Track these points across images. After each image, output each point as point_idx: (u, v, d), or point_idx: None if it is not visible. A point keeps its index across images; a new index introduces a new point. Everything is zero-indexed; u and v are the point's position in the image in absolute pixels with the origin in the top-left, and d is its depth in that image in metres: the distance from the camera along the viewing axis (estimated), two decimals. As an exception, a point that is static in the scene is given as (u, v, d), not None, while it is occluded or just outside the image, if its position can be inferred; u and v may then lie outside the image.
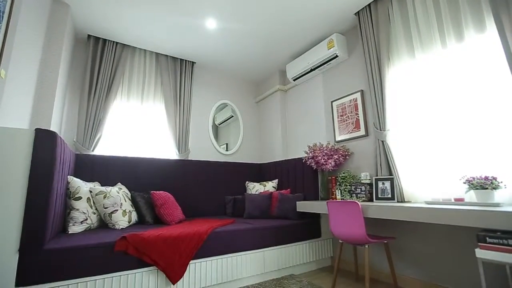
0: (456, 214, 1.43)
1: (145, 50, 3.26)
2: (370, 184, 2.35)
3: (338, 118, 2.91)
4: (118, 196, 2.21)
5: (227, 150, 3.85)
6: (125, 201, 2.27)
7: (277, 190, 3.25)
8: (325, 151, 2.69)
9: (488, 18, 1.74)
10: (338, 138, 2.88)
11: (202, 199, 3.12)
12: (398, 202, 2.10)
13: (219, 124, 3.91)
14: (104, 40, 2.96)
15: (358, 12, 2.62)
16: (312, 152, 2.77)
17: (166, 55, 3.36)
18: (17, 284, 1.39)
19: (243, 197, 3.09)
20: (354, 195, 2.39)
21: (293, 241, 2.52)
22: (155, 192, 2.44)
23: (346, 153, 2.71)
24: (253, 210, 2.84)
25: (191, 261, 1.95)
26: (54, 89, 2.28)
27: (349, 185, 2.46)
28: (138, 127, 3.10)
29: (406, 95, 2.24)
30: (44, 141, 1.53)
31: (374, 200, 2.24)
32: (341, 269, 2.66)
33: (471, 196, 1.70)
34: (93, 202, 2.12)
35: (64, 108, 2.72)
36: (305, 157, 2.84)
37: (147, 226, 2.20)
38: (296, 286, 2.13)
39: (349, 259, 2.65)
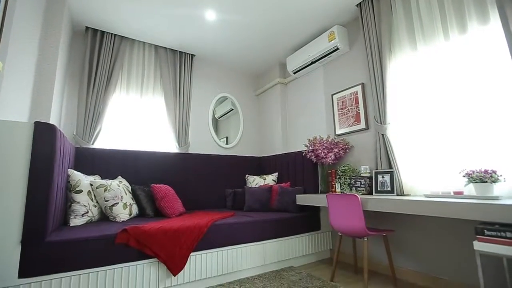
0: (455, 207, 1.44)
1: (144, 42, 3.22)
2: (370, 178, 2.35)
3: (338, 111, 2.90)
4: (118, 189, 2.22)
5: (227, 143, 3.85)
6: (126, 194, 2.28)
7: (277, 183, 3.26)
8: (325, 145, 2.69)
9: (492, 10, 1.71)
10: (338, 131, 2.87)
11: (202, 192, 3.14)
12: (397, 195, 2.11)
13: (219, 118, 3.90)
14: (102, 32, 2.93)
15: (360, 3, 2.58)
16: (312, 146, 2.77)
17: (166, 48, 3.32)
18: (20, 275, 1.41)
19: (243, 190, 3.10)
20: (353, 188, 2.40)
21: (292, 234, 2.55)
22: (155, 185, 2.45)
23: (346, 146, 2.71)
24: (253, 203, 2.85)
25: (192, 253, 1.97)
26: (53, 82, 2.26)
27: (348, 179, 2.47)
28: (138, 120, 3.09)
29: (407, 88, 2.22)
30: (44, 134, 1.53)
31: (374, 193, 2.25)
32: (340, 261, 2.69)
33: (470, 189, 1.70)
34: (94, 195, 2.13)
35: (63, 101, 2.71)
36: (305, 150, 2.84)
37: (147, 219, 2.22)
38: (296, 278, 2.16)
39: (348, 252, 2.67)
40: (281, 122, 3.67)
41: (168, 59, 3.30)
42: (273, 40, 3.22)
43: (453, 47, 1.91)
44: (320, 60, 3.04)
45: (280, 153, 3.52)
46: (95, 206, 2.11)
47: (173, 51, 3.37)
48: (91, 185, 2.12)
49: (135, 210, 2.32)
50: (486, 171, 1.58)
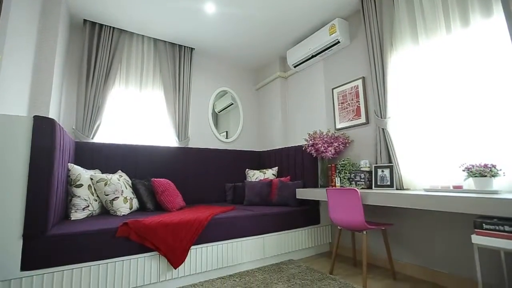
0: (453, 201, 1.45)
1: (143, 35, 3.19)
2: (370, 172, 2.36)
3: (338, 105, 2.88)
4: (118, 183, 2.22)
5: (227, 137, 3.84)
6: (126, 188, 2.29)
7: (277, 177, 3.27)
8: (325, 139, 2.69)
9: (496, 3, 1.68)
10: (339, 125, 2.87)
11: (202, 187, 3.15)
12: (397, 189, 2.11)
13: (219, 112, 3.89)
14: (101, 25, 2.89)
15: (362, -5, 2.54)
16: (312, 140, 2.77)
17: (165, 41, 3.29)
18: (22, 268, 1.42)
19: (243, 184, 3.11)
20: (353, 182, 2.41)
21: (292, 228, 2.56)
22: (156, 179, 2.46)
23: (346, 140, 2.70)
24: (253, 197, 2.87)
25: (192, 247, 1.98)
26: (51, 75, 2.25)
27: (348, 173, 2.48)
28: (137, 114, 3.07)
29: (407, 82, 2.21)
30: (43, 128, 1.53)
31: (373, 188, 2.26)
32: (339, 255, 2.72)
33: (470, 183, 1.71)
34: (94, 189, 2.13)
35: (62, 95, 2.69)
36: (305, 144, 2.84)
37: (148, 213, 2.23)
38: (295, 271, 2.18)
39: (347, 245, 2.70)
40: (281, 116, 3.66)
41: (167, 53, 3.28)
42: (273, 33, 3.19)
43: (455, 40, 1.88)
44: (321, 54, 3.01)
45: (280, 147, 3.52)
46: (96, 200, 2.12)
47: (172, 44, 3.34)
48: (91, 179, 2.12)
49: (135, 204, 2.33)
50: (486, 166, 1.59)
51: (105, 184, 2.13)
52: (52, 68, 2.26)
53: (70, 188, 1.99)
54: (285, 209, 2.58)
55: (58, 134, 1.63)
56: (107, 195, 2.13)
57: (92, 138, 2.72)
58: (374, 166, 2.29)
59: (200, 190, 3.12)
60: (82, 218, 1.96)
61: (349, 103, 2.77)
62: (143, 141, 3.07)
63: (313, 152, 2.75)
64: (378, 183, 2.23)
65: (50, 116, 2.20)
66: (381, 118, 2.30)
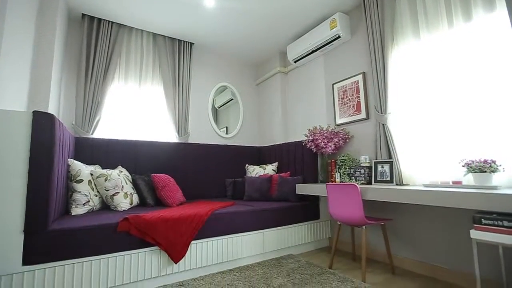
0: (453, 196, 1.45)
1: (142, 30, 3.16)
2: (370, 167, 2.36)
3: (339, 101, 2.87)
4: (119, 178, 2.23)
5: (227, 133, 3.84)
6: (126, 183, 2.30)
7: (276, 173, 3.28)
8: (325, 134, 2.68)
9: (498, -4, 1.67)
10: (339, 121, 2.86)
11: (202, 182, 3.16)
12: (396, 185, 2.12)
13: (218, 107, 3.88)
14: (99, 20, 2.87)
15: (363, -11, 2.51)
16: (312, 135, 2.76)
17: (164, 36, 3.26)
18: (24, 263, 1.44)
19: (243, 179, 3.12)
20: (353, 178, 2.41)
21: (292, 223, 2.58)
22: (156, 174, 2.46)
23: (346, 136, 2.70)
24: (253, 193, 2.88)
25: (193, 242, 2.00)
26: (50, 71, 2.23)
27: (348, 168, 2.48)
28: (137, 110, 3.06)
29: (408, 78, 2.19)
30: (43, 123, 1.52)
31: (373, 183, 2.26)
32: (339, 250, 2.74)
33: (469, 179, 1.71)
34: (95, 185, 2.14)
35: (61, 91, 2.68)
36: (305, 140, 2.84)
37: (148, 208, 2.24)
38: (295, 265, 2.20)
39: (346, 240, 2.71)
40: (281, 112, 3.65)
41: (166, 48, 3.25)
42: (274, 28, 3.16)
43: (457, 35, 1.87)
44: (321, 49, 2.99)
45: (280, 142, 3.51)
46: (96, 196, 2.12)
47: (172, 39, 3.31)
48: (92, 174, 2.13)
49: (136, 199, 2.34)
50: (485, 161, 1.59)
51: (105, 180, 2.14)
52: (51, 64, 2.24)
53: (70, 184, 2.00)
54: (285, 205, 2.59)
55: (57, 130, 1.63)
56: (107, 190, 2.13)
57: (92, 134, 2.72)
58: (374, 162, 2.29)
59: (200, 185, 3.13)
60: (82, 213, 1.97)
61: (349, 99, 2.76)
62: (143, 136, 3.06)
63: (313, 147, 2.75)
64: (378, 179, 2.23)
65: (49, 112, 2.19)
66: (381, 113, 2.30)
